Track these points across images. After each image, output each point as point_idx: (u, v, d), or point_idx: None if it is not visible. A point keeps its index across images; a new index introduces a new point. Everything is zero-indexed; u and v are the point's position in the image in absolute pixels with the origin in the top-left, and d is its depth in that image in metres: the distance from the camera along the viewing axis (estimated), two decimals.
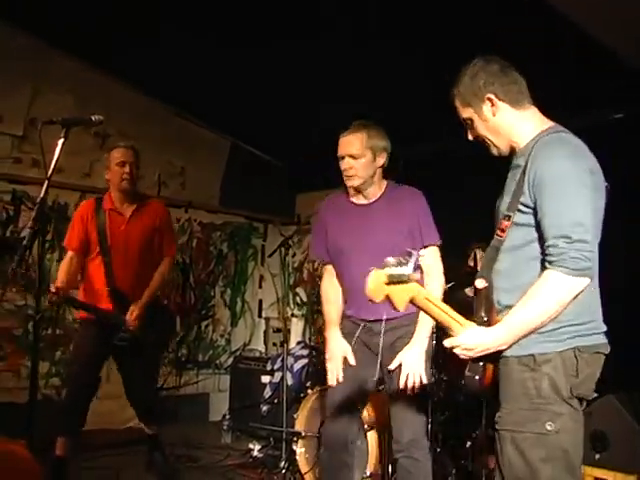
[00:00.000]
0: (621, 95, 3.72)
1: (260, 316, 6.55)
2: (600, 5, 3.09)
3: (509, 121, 1.98)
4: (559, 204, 1.76)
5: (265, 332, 6.46)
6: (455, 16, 3.40)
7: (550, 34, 3.30)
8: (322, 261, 3.03)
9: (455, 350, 1.84)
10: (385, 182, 2.86)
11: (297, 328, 6.11)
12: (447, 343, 1.86)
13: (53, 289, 3.33)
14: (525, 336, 1.81)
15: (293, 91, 4.51)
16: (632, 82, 3.54)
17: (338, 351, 2.80)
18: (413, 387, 2.63)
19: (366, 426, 3.43)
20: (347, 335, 2.84)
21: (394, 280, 1.82)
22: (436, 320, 1.91)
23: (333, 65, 4.08)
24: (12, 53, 4.62)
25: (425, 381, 2.67)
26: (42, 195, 2.40)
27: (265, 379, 5.16)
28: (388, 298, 1.84)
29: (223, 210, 6.21)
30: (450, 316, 1.84)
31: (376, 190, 2.82)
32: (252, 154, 6.20)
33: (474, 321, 1.87)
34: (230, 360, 6.12)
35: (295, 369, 4.93)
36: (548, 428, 1.79)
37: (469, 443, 3.69)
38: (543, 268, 1.79)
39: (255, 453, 4.38)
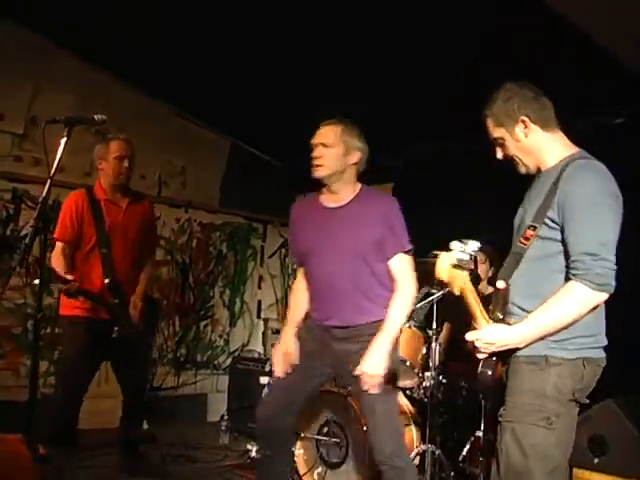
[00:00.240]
0: (621, 96, 3.71)
1: (259, 317, 6.54)
2: (599, 6, 3.08)
3: (539, 142, 2.14)
4: (588, 224, 1.92)
5: (264, 333, 6.45)
6: (455, 16, 3.40)
7: (550, 34, 3.30)
8: (296, 262, 3.01)
9: (476, 343, 1.99)
10: (359, 186, 2.78)
11: None
12: (470, 336, 2.00)
13: (70, 277, 3.28)
14: (539, 339, 1.96)
15: (293, 91, 4.50)
16: (631, 83, 3.54)
17: (281, 348, 2.80)
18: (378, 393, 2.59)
19: (365, 428, 3.41)
20: (308, 332, 2.82)
21: (458, 265, 1.99)
22: (470, 310, 2.03)
23: (333, 65, 4.07)
24: (13, 52, 4.62)
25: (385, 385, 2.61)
26: (44, 194, 2.39)
27: (263, 380, 5.14)
28: (449, 280, 2.00)
29: (223, 210, 6.21)
30: (481, 311, 2.00)
31: (348, 193, 2.75)
32: (252, 154, 6.20)
33: (491, 319, 2.02)
34: (229, 361, 6.10)
35: None
36: (547, 423, 1.94)
37: (468, 446, 3.69)
38: (565, 280, 1.96)
39: (253, 454, 4.35)
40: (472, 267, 2.00)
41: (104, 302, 3.47)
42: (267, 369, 5.22)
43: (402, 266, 2.69)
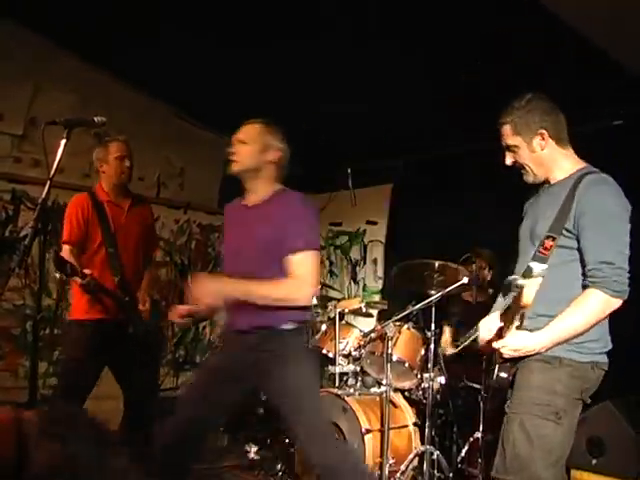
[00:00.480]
0: (620, 96, 3.71)
1: None
2: (599, 6, 3.08)
3: (553, 156, 2.22)
4: (605, 234, 2.04)
5: None
6: (455, 16, 3.40)
7: (549, 35, 3.30)
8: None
9: (502, 350, 2.09)
10: (279, 187, 2.71)
11: None
12: (498, 344, 2.10)
13: (88, 272, 3.26)
14: (559, 344, 2.06)
15: (293, 92, 4.50)
16: (631, 84, 3.54)
17: None
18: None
19: (363, 430, 3.41)
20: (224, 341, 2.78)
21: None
22: (511, 316, 2.07)
23: (333, 65, 4.08)
24: (13, 52, 4.62)
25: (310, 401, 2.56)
26: (44, 195, 2.39)
27: None
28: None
29: (222, 212, 6.15)
30: (515, 319, 2.05)
31: (265, 192, 2.68)
32: None
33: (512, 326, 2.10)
34: None
35: None
36: (556, 418, 2.03)
37: (466, 447, 3.68)
38: (582, 287, 2.07)
39: (252, 455, 4.35)
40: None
41: (119, 298, 3.47)
42: None
43: (295, 266, 2.52)
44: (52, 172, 2.39)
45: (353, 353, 3.99)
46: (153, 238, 3.92)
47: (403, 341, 3.82)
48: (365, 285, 5.84)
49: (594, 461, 3.21)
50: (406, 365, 3.77)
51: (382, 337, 3.71)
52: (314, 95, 4.47)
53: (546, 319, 2.08)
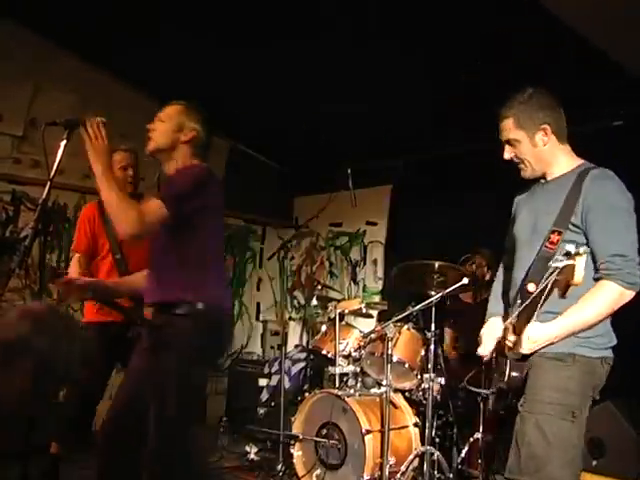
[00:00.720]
0: (620, 96, 3.71)
1: (258, 319, 6.53)
2: (599, 7, 3.08)
3: (553, 152, 2.21)
4: (617, 227, 2.04)
5: (262, 335, 6.44)
6: (455, 16, 3.40)
7: (549, 35, 3.30)
8: None
9: (524, 343, 2.03)
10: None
11: (294, 331, 6.10)
12: (519, 340, 2.05)
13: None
14: (570, 336, 2.04)
15: (293, 92, 4.50)
16: (631, 84, 3.53)
17: None
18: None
19: (363, 430, 3.40)
20: None
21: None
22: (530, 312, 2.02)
23: (333, 65, 4.08)
24: (13, 52, 4.62)
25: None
26: (44, 196, 2.39)
27: (262, 382, 5.15)
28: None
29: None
30: (535, 313, 2.01)
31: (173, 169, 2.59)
32: (251, 156, 6.18)
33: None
34: (227, 362, 6.09)
35: (292, 372, 4.91)
36: (572, 417, 2.02)
37: (466, 447, 3.67)
38: (594, 279, 2.05)
39: (252, 456, 4.35)
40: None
41: (121, 308, 3.47)
42: (265, 371, 5.21)
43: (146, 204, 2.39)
44: (52, 173, 2.39)
45: (353, 354, 3.99)
46: None
47: (403, 342, 3.82)
48: (365, 286, 5.84)
49: (594, 462, 3.21)
50: (406, 366, 3.77)
51: (382, 338, 3.71)
52: (314, 95, 4.48)
53: (551, 316, 2.06)
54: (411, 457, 3.46)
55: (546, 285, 1.91)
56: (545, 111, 2.17)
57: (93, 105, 4.59)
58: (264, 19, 3.85)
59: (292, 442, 3.79)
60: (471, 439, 3.64)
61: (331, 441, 3.56)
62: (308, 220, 5.80)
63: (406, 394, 3.86)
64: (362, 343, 3.97)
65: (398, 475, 3.38)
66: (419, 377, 3.75)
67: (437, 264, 3.70)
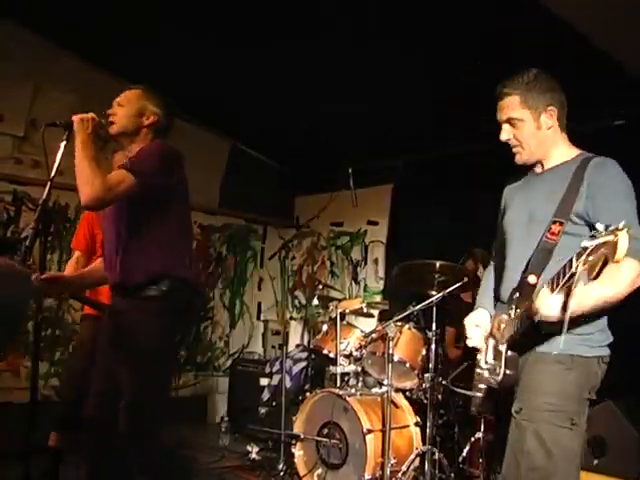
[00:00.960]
0: (620, 96, 3.71)
1: (259, 318, 6.53)
2: (599, 7, 3.08)
3: (554, 138, 2.12)
4: (625, 210, 1.89)
5: (264, 335, 6.44)
6: (455, 16, 3.40)
7: (549, 35, 3.30)
8: None
9: (542, 310, 1.83)
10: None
11: (296, 331, 6.10)
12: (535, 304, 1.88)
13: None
14: (588, 312, 1.87)
15: (293, 92, 4.51)
16: (631, 84, 3.53)
17: None
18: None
19: (365, 430, 3.41)
20: None
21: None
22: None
23: (333, 65, 4.08)
24: (13, 52, 4.62)
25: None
26: (45, 196, 2.40)
27: (263, 382, 5.15)
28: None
29: (222, 212, 6.20)
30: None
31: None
32: (252, 156, 6.19)
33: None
34: (229, 362, 6.10)
35: (294, 372, 4.92)
36: (571, 424, 1.94)
37: (467, 447, 3.67)
38: None
39: (253, 455, 4.36)
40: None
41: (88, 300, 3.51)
42: (267, 371, 5.22)
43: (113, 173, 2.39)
44: (52, 173, 2.40)
45: (354, 353, 3.99)
46: None
47: (404, 341, 3.82)
48: (366, 285, 5.84)
49: (596, 461, 3.20)
50: (407, 365, 3.77)
51: (383, 337, 3.71)
52: (314, 95, 4.48)
53: None
54: (412, 456, 3.46)
55: (577, 267, 1.66)
56: (552, 93, 2.08)
57: (93, 105, 4.57)
58: (264, 19, 3.86)
59: (293, 442, 3.80)
60: (472, 438, 3.65)
61: (332, 440, 3.57)
62: (309, 220, 5.79)
63: (407, 393, 3.86)
64: (363, 343, 3.97)
65: (399, 474, 3.39)
66: (420, 377, 3.75)
67: (438, 264, 3.70)
